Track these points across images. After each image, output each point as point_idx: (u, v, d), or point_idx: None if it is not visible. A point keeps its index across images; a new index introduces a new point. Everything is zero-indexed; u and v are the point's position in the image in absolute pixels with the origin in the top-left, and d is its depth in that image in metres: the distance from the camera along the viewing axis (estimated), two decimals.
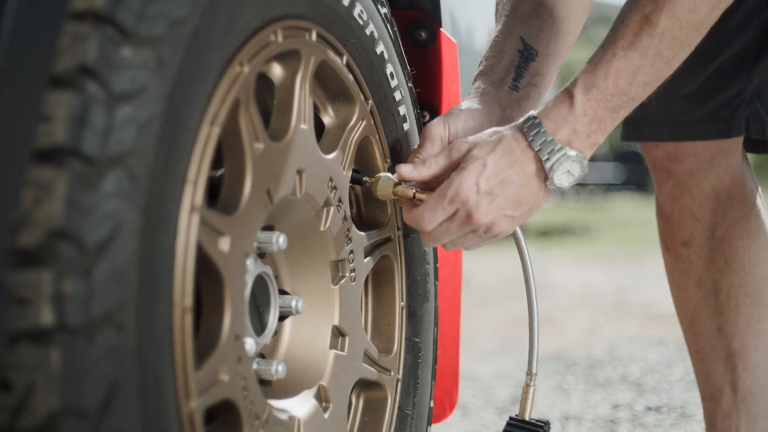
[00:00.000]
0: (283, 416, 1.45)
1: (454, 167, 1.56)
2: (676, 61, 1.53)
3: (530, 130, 1.51)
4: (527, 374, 1.69)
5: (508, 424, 1.66)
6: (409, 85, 1.72)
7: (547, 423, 1.66)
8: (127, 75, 1.12)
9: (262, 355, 1.51)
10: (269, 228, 1.50)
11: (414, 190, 1.58)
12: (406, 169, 1.58)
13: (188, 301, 1.20)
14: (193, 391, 1.21)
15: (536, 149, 1.51)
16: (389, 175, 1.61)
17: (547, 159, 1.51)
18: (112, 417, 1.08)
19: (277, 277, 1.52)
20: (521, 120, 1.53)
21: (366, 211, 1.67)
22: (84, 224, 1.07)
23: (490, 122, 1.64)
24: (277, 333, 1.52)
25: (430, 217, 1.53)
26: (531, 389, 1.68)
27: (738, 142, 1.98)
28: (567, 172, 1.52)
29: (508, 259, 9.89)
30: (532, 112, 1.53)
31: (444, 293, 1.91)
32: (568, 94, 1.51)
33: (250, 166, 1.35)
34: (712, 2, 1.51)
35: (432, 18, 1.85)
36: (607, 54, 1.51)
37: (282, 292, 1.55)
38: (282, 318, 1.55)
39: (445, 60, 1.86)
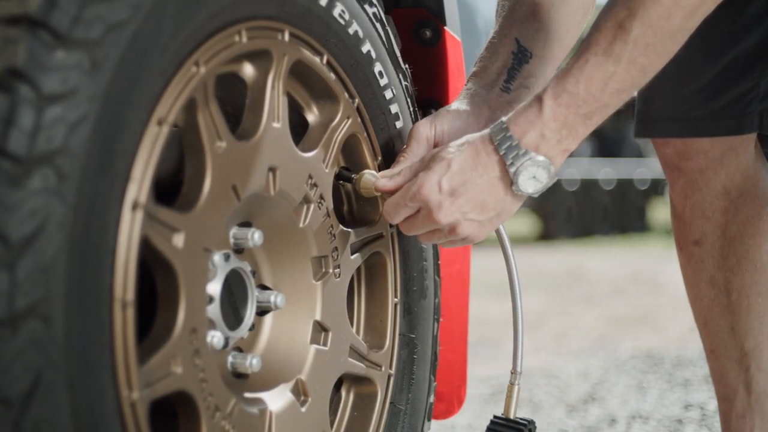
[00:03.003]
0: (253, 409, 1.48)
1: None
2: (651, 69, 1.50)
3: (497, 134, 1.51)
4: (512, 373, 1.69)
5: (491, 422, 1.67)
6: (405, 83, 1.73)
7: (531, 422, 1.66)
8: (58, 77, 1.16)
9: (240, 349, 1.54)
10: (247, 224, 1.54)
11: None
12: (381, 181, 1.60)
13: (130, 295, 1.24)
14: (135, 382, 1.25)
15: (501, 153, 1.50)
16: (373, 172, 1.63)
17: (512, 163, 1.50)
18: (37, 405, 1.13)
19: (255, 273, 1.55)
20: (493, 125, 1.53)
21: (357, 208, 1.69)
22: (9, 220, 1.12)
23: (477, 124, 1.65)
24: (255, 327, 1.55)
25: (394, 211, 1.56)
26: (515, 388, 1.68)
27: (749, 139, 1.94)
28: (533, 177, 1.51)
29: (625, 256, 9.77)
30: (503, 117, 1.53)
31: (452, 290, 1.92)
32: (537, 99, 1.50)
33: (210, 164, 1.39)
34: (688, 10, 1.47)
35: (436, 16, 1.86)
36: (580, 61, 1.49)
37: (264, 287, 1.58)
38: (263, 313, 1.58)
39: (450, 58, 1.87)
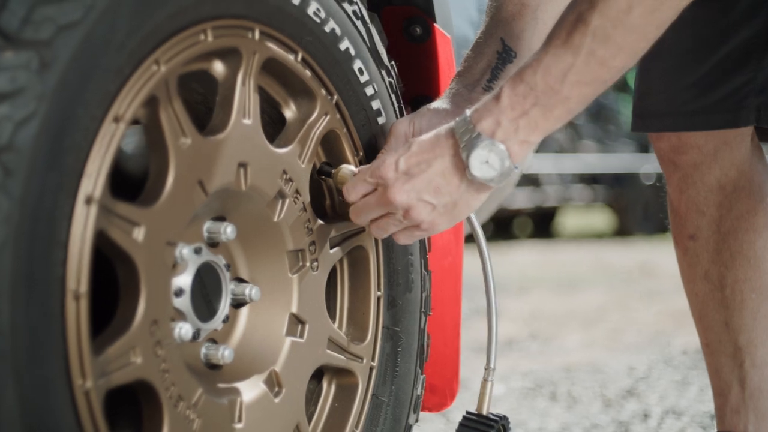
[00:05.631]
0: (222, 399, 1.52)
1: None
2: (615, 64, 1.48)
3: (458, 122, 1.53)
4: (485, 369, 1.70)
5: (463, 418, 1.68)
6: (389, 80, 1.76)
7: (503, 417, 1.67)
8: (6, 76, 1.21)
9: (214, 340, 1.58)
10: (222, 219, 1.57)
11: None
12: (362, 169, 1.63)
13: (84, 287, 1.28)
14: (89, 372, 1.29)
15: (456, 137, 1.52)
16: (351, 167, 1.66)
17: (464, 146, 1.51)
18: None
19: (229, 266, 1.58)
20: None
21: (339, 202, 1.72)
22: None
23: None
24: (230, 319, 1.59)
25: (352, 188, 1.59)
26: (489, 384, 1.69)
27: (744, 134, 1.93)
28: (485, 162, 1.50)
29: None
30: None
31: (444, 284, 1.94)
32: (499, 89, 1.52)
33: (174, 160, 1.42)
34: (649, 5, 1.45)
35: (426, 13, 1.88)
36: (541, 53, 1.50)
37: (241, 280, 1.61)
38: (240, 305, 1.61)
39: (440, 54, 1.89)
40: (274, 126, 1.67)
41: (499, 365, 4.23)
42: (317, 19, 1.61)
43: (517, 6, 1.74)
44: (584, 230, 13.02)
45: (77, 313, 1.28)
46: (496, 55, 1.72)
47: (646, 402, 3.46)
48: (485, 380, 1.69)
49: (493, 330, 1.70)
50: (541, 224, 12.50)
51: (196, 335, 1.52)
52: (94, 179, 1.30)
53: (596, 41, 1.46)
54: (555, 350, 4.60)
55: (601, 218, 13.19)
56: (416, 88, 1.88)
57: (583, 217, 13.84)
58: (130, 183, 1.48)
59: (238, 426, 1.53)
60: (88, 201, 1.29)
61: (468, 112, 1.53)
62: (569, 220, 13.45)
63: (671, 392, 3.61)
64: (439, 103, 1.70)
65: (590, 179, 12.07)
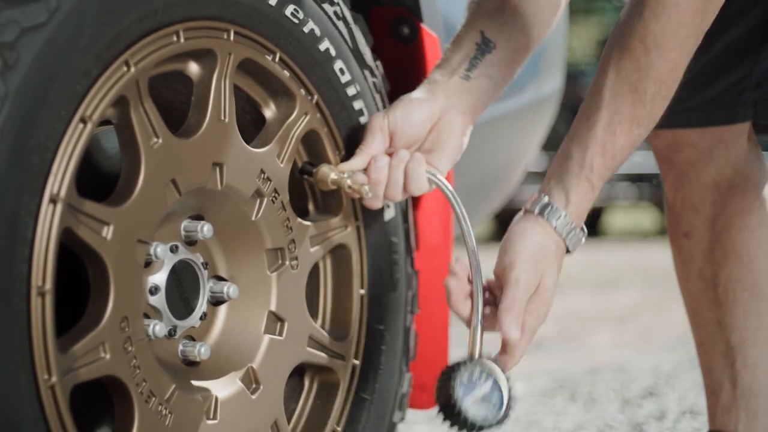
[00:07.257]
0: (196, 395, 1.54)
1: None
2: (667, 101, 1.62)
3: (553, 219, 1.63)
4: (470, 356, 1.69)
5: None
6: (372, 80, 1.77)
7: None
8: None
9: (192, 337, 1.60)
10: (200, 218, 1.59)
11: (349, 182, 1.64)
12: (345, 166, 1.65)
13: (48, 284, 1.31)
14: (54, 367, 1.32)
15: (562, 236, 1.65)
16: (330, 166, 1.67)
17: (568, 238, 1.65)
18: None
19: (207, 264, 1.60)
20: (549, 215, 1.64)
21: (322, 201, 1.73)
22: None
23: (431, 110, 1.68)
24: (208, 317, 1.61)
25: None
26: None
27: (740, 132, 1.93)
28: (579, 240, 1.67)
29: None
30: (561, 208, 1.65)
31: (433, 284, 1.94)
32: (590, 185, 1.62)
33: (144, 160, 1.45)
34: (688, 50, 1.59)
35: (413, 14, 1.89)
36: (608, 133, 1.59)
37: (220, 278, 1.63)
38: (219, 303, 1.63)
39: (428, 54, 1.90)
40: (257, 126, 1.68)
41: (524, 365, 4.23)
42: (295, 20, 1.63)
43: (498, 2, 1.75)
44: (630, 229, 12.96)
45: (42, 309, 1.31)
46: (475, 46, 1.73)
47: (665, 402, 3.44)
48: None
49: (477, 319, 1.67)
50: (587, 223, 12.39)
51: (172, 332, 1.54)
52: (60, 179, 1.32)
53: (655, 103, 1.60)
54: (582, 350, 4.59)
55: (647, 217, 13.11)
56: (404, 88, 1.88)
57: (629, 216, 13.78)
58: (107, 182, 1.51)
59: (213, 422, 1.55)
60: (54, 200, 1.31)
61: (561, 209, 1.64)
62: (615, 219, 13.40)
63: (692, 392, 3.58)
64: (414, 94, 1.71)
65: (636, 178, 11.99)
